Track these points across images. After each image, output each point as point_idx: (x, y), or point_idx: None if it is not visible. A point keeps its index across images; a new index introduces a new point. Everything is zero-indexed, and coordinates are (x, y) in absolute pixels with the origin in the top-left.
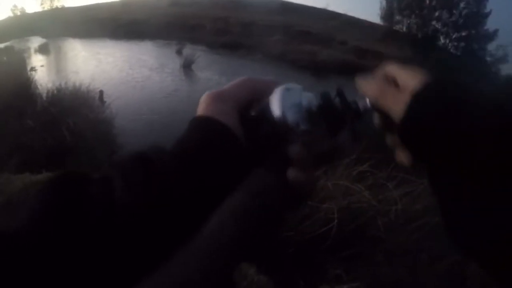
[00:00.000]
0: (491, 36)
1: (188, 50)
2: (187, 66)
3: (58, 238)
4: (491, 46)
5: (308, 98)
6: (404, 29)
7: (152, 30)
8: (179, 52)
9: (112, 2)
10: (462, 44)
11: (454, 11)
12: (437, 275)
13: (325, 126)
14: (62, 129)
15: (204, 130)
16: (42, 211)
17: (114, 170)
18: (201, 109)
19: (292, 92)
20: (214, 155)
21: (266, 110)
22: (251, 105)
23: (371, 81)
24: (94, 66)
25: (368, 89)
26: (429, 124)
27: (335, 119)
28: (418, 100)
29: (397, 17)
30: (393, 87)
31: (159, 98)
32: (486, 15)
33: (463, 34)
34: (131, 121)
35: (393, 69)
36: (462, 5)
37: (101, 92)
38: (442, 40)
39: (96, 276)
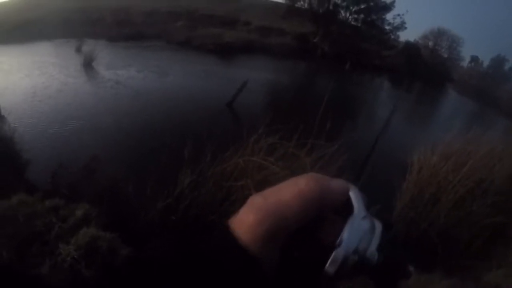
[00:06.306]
0: (388, 6)
1: (87, 47)
2: (87, 64)
3: None
4: (389, 16)
5: (381, 236)
6: (306, 5)
7: (49, 29)
8: (78, 50)
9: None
10: (362, 16)
11: None
12: None
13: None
14: None
15: (223, 250)
16: None
17: None
18: (245, 222)
19: (368, 224)
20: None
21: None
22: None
23: None
24: None
25: None
26: None
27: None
28: None
29: None
30: None
31: (61, 105)
32: None
33: (362, 6)
34: (36, 134)
35: None
36: None
37: None
38: (342, 14)
39: None
